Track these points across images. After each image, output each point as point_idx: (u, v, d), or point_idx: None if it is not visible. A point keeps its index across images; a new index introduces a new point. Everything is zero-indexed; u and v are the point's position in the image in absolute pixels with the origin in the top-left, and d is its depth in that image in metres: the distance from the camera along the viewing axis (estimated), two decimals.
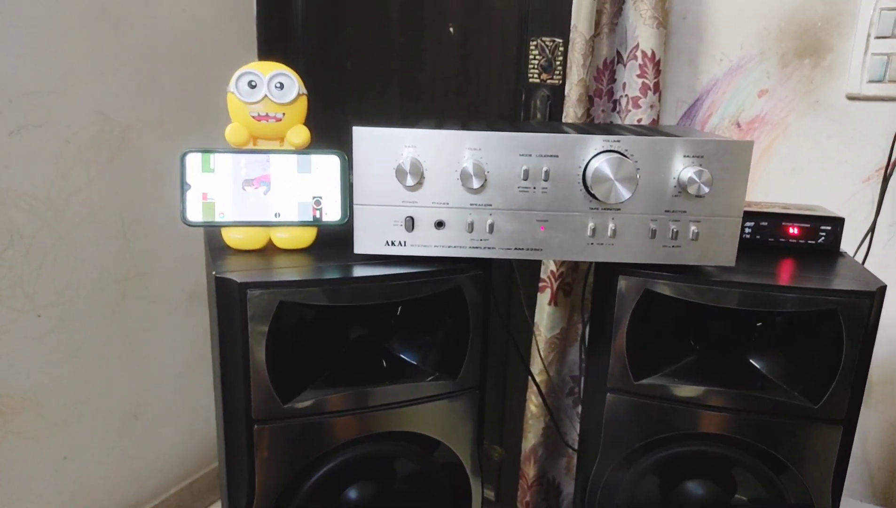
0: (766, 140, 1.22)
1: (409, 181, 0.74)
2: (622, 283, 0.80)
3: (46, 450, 1.30)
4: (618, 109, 1.23)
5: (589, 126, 0.95)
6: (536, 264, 1.30)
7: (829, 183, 1.19)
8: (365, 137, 0.74)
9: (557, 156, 0.75)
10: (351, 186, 0.77)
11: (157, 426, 1.52)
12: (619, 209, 0.76)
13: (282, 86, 0.78)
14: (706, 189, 0.73)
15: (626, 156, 0.74)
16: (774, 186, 1.23)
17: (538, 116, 1.32)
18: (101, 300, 1.35)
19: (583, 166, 0.75)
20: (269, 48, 1.61)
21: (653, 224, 0.77)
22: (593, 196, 0.75)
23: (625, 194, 0.74)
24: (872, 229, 1.13)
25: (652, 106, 1.18)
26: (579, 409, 1.35)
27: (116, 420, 1.43)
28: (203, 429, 1.64)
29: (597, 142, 0.74)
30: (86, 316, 1.33)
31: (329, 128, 1.55)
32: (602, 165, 0.73)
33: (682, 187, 0.75)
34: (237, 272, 0.73)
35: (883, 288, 0.75)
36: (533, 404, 1.32)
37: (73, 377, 1.33)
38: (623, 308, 0.80)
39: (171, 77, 1.42)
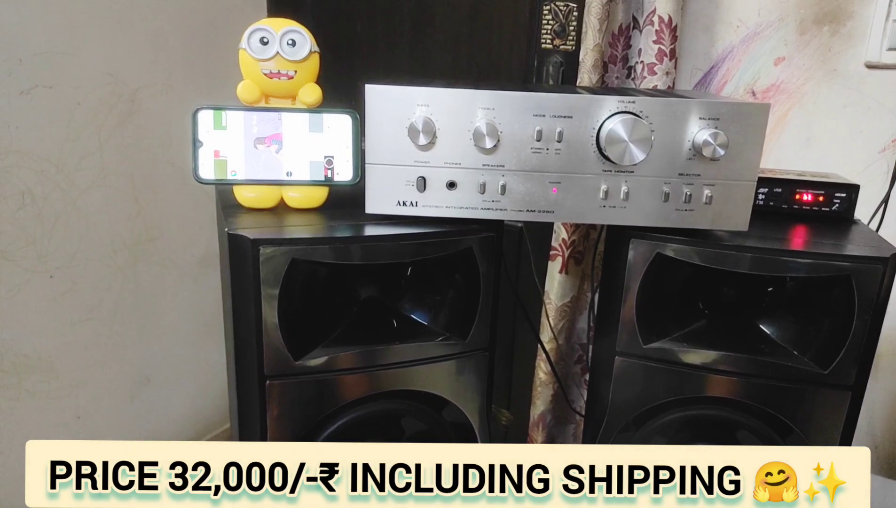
0: (782, 109, 1.21)
1: (422, 140, 0.74)
2: (633, 246, 0.79)
3: (60, 410, 1.32)
4: (633, 75, 1.22)
5: (604, 89, 0.94)
6: (547, 233, 1.29)
7: (844, 153, 1.18)
8: (377, 95, 0.74)
9: (571, 117, 0.74)
10: (363, 152, 0.77)
11: (169, 388, 1.54)
12: (632, 172, 0.76)
13: (294, 43, 0.78)
14: (721, 152, 0.73)
15: (640, 117, 0.73)
16: (788, 156, 1.22)
17: (550, 82, 1.31)
18: (112, 264, 1.36)
19: (597, 128, 0.74)
20: (278, 8, 1.60)
21: (666, 187, 0.76)
22: (607, 158, 0.75)
23: (639, 155, 0.73)
24: (887, 200, 1.12)
25: (667, 73, 1.16)
26: (587, 377, 1.36)
27: (129, 383, 1.45)
28: (214, 392, 1.66)
29: (612, 103, 0.73)
30: (98, 279, 1.34)
31: (337, 94, 1.54)
32: (616, 126, 0.72)
33: (696, 150, 0.74)
34: (250, 229, 0.73)
35: None
36: (542, 371, 1.33)
37: (86, 340, 1.34)
38: (634, 272, 0.80)
39: (181, 38, 1.41)
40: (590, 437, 0.93)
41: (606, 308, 0.92)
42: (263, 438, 0.78)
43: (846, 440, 0.81)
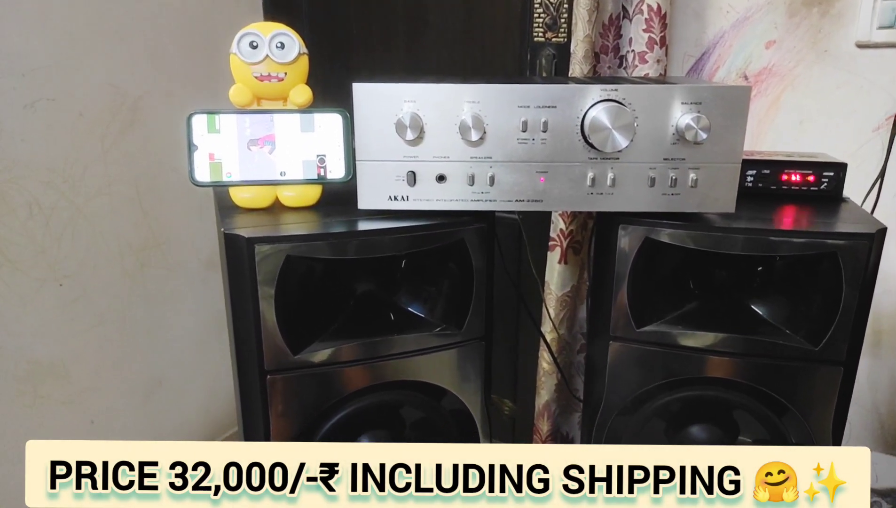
0: (775, 92, 1.21)
1: (410, 136, 0.76)
2: (623, 232, 0.81)
3: (75, 415, 1.35)
4: (624, 64, 1.23)
5: (588, 78, 0.96)
6: (545, 224, 1.30)
7: (838, 133, 1.18)
8: (365, 93, 0.76)
9: (555, 107, 0.76)
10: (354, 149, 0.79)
11: (180, 390, 1.57)
12: (617, 158, 0.77)
13: (283, 45, 0.80)
14: (704, 135, 0.74)
15: (623, 104, 0.74)
16: (783, 138, 1.22)
17: (544, 75, 1.32)
18: (120, 270, 1.39)
19: (581, 116, 0.75)
20: (275, 13, 1.62)
21: (652, 172, 0.77)
22: (592, 146, 0.76)
23: (622, 142, 0.75)
24: (882, 176, 1.12)
25: (658, 61, 1.17)
26: None
27: (141, 386, 1.48)
28: (224, 393, 1.68)
29: (594, 91, 0.75)
30: (107, 285, 1.37)
31: (335, 91, 1.56)
32: (600, 113, 0.74)
33: (680, 135, 0.75)
34: (245, 229, 0.75)
35: (883, 230, 0.75)
36: (545, 361, 1.34)
37: (97, 345, 1.37)
38: (624, 257, 0.81)
39: (179, 45, 1.43)
40: (588, 421, 0.94)
41: (599, 294, 0.93)
42: (267, 432, 0.80)
43: (841, 415, 0.81)
